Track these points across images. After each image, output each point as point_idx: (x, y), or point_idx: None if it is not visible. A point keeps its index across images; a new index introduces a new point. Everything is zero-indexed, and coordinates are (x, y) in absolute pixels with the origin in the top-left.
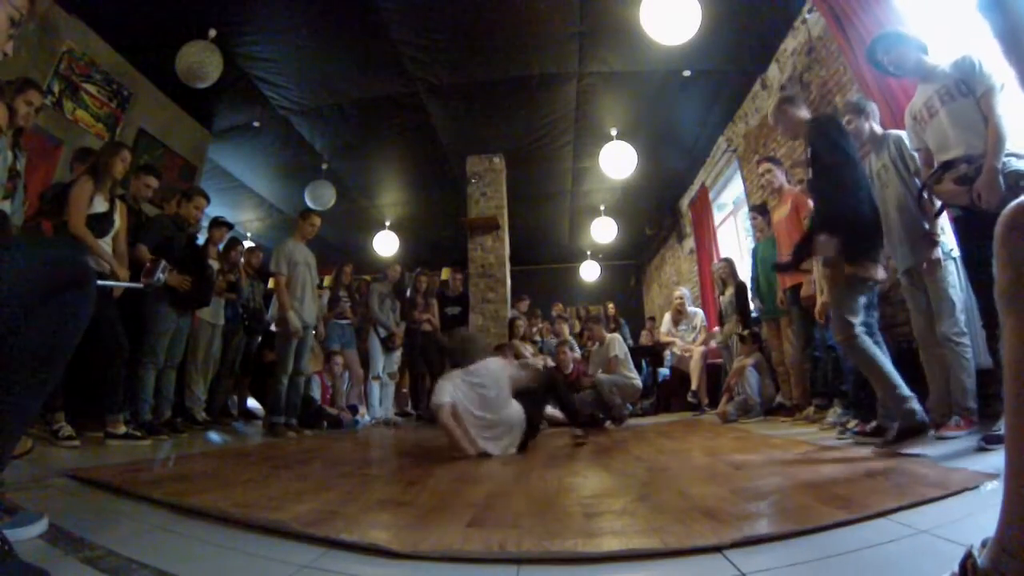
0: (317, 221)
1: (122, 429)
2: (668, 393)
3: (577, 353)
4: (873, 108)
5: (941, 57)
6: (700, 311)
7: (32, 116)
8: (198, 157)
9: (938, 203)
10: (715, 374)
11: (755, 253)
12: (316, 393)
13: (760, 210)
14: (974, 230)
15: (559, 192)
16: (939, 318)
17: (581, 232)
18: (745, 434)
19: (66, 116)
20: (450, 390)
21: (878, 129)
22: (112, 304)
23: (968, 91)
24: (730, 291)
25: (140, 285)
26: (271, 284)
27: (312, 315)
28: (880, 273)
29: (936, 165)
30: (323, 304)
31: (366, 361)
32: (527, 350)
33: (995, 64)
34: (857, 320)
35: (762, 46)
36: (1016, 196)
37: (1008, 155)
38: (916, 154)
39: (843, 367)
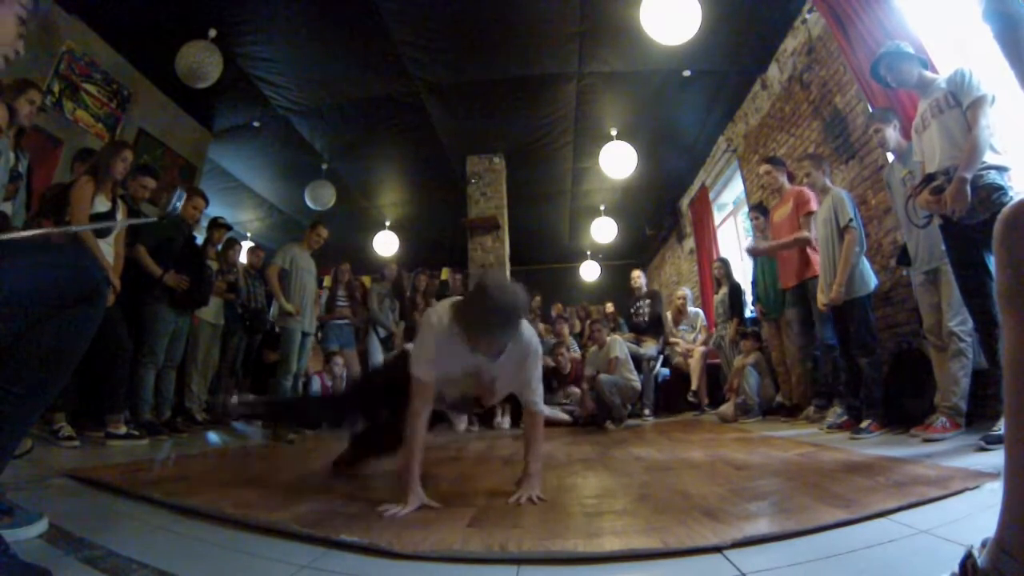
0: (324, 233)
1: (122, 429)
2: (668, 393)
3: (576, 352)
4: (892, 117)
5: (941, 70)
6: (701, 312)
7: (33, 116)
8: (198, 157)
9: (923, 212)
10: (715, 374)
11: None
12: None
13: (761, 209)
14: (957, 236)
15: (559, 192)
16: (951, 314)
17: (581, 232)
18: (745, 434)
19: (66, 116)
20: None
21: (904, 141)
22: (115, 303)
23: (956, 103)
24: (723, 291)
25: (155, 219)
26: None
27: (312, 323)
28: None
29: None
30: (322, 304)
31: (365, 362)
32: None
33: (987, 76)
34: None
35: (762, 46)
36: (989, 209)
37: (988, 167)
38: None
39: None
